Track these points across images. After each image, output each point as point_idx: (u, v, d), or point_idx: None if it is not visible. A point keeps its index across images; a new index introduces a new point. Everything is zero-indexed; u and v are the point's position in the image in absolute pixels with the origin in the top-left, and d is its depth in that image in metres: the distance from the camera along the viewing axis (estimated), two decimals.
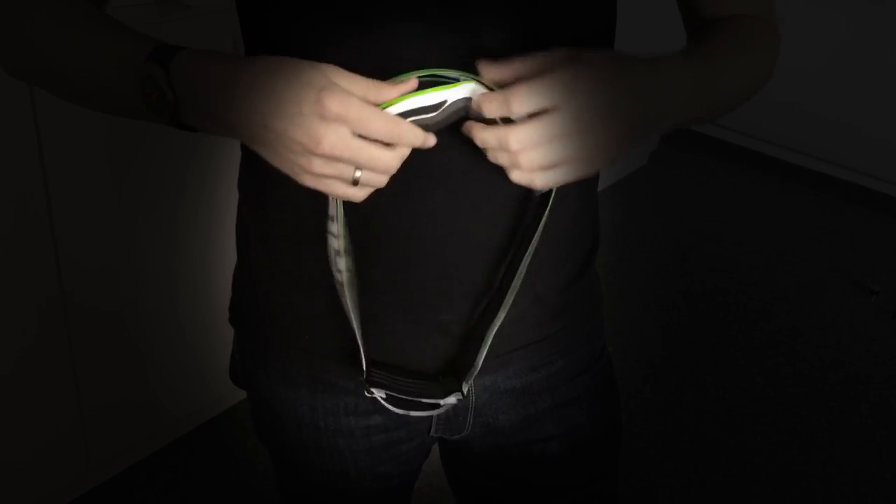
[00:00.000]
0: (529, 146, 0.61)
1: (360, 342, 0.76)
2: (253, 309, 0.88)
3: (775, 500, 2.04)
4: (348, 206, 0.68)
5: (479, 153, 0.66)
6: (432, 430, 0.90)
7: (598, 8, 0.75)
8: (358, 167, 0.62)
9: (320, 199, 0.68)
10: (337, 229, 0.68)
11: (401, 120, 0.62)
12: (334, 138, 0.59)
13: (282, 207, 0.79)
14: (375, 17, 0.66)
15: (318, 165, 0.61)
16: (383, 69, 0.65)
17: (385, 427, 0.88)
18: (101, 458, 1.86)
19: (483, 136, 0.63)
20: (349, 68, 0.63)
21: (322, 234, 0.71)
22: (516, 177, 0.64)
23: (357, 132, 0.60)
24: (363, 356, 0.77)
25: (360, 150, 0.61)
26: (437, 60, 0.66)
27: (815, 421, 2.29)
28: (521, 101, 0.60)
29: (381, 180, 0.64)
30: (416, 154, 0.65)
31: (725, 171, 3.66)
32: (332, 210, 0.68)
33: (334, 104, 0.59)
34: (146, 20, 1.61)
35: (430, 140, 0.64)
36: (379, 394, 0.79)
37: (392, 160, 0.63)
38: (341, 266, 0.71)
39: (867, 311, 2.79)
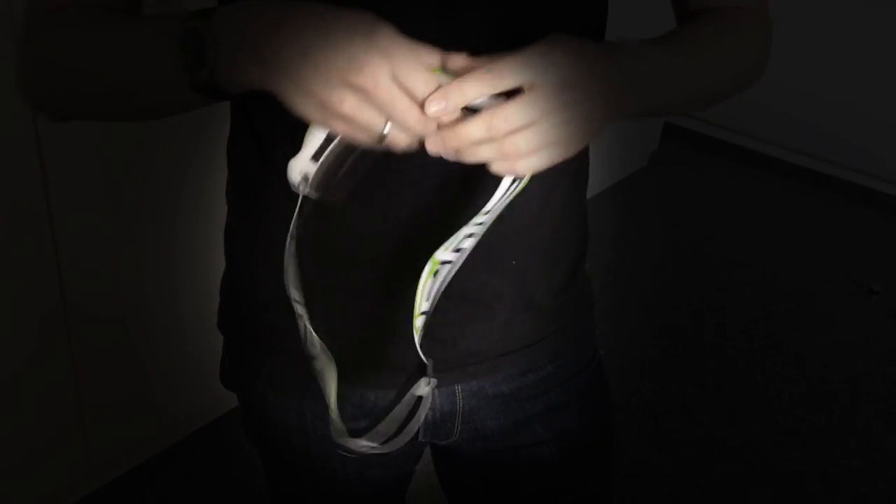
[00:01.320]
0: (516, 128, 0.58)
1: (335, 414, 0.73)
2: (240, 314, 0.88)
3: (776, 501, 2.04)
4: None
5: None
6: (420, 436, 0.89)
7: (589, 7, 0.75)
8: (389, 117, 0.57)
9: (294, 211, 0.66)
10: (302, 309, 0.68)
11: (438, 82, 0.57)
12: (376, 73, 0.55)
13: (262, 215, 0.79)
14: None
15: (351, 104, 0.56)
16: None
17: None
18: (102, 460, 1.86)
19: (468, 130, 0.58)
20: None
21: (298, 242, 0.70)
22: (498, 167, 0.60)
23: (399, 77, 0.56)
24: (338, 428, 0.74)
25: (398, 96, 0.56)
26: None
27: (815, 421, 2.29)
28: (502, 75, 0.57)
29: (404, 141, 0.59)
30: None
31: (726, 172, 3.66)
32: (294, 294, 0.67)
33: (385, 38, 0.56)
34: None
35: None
36: (357, 448, 0.76)
37: (423, 124, 0.58)
38: (315, 343, 0.70)
39: (868, 310, 2.79)
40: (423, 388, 0.78)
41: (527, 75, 0.58)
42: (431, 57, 0.58)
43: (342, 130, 0.58)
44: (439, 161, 0.62)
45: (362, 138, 0.59)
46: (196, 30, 0.61)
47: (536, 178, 0.63)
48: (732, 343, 2.59)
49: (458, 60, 0.59)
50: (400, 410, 0.80)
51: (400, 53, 0.56)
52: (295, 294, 0.69)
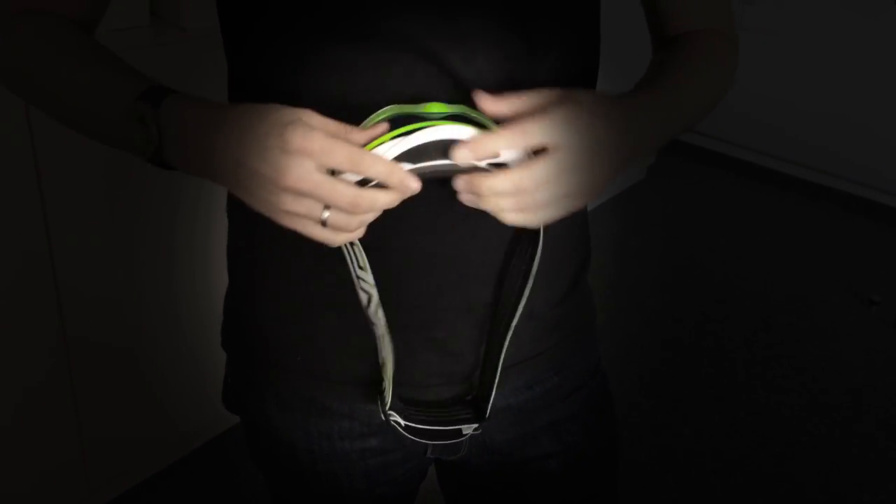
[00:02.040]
0: (540, 184, 0.62)
1: (390, 375, 0.77)
2: (245, 332, 0.88)
3: None
4: None
5: None
6: (429, 452, 0.89)
7: (585, 22, 0.76)
8: (325, 205, 0.61)
9: None
10: (368, 280, 0.70)
11: (365, 151, 0.61)
12: (298, 172, 0.59)
13: (267, 232, 0.79)
14: (361, 37, 0.67)
15: (287, 202, 0.61)
16: (368, 90, 0.66)
17: (381, 450, 0.88)
18: (100, 480, 1.86)
19: (496, 182, 0.61)
20: (331, 88, 0.65)
21: (312, 253, 0.71)
22: (512, 218, 0.64)
23: (322, 165, 0.60)
24: (390, 387, 0.78)
25: (322, 183, 0.60)
26: (425, 78, 0.66)
27: (816, 433, 2.29)
28: (531, 135, 0.61)
29: (351, 222, 0.63)
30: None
31: (723, 184, 3.66)
32: (360, 261, 0.69)
33: (297, 137, 0.59)
34: (142, 43, 1.62)
35: (411, 183, 0.62)
36: (397, 420, 0.79)
37: (356, 197, 0.61)
38: (380, 315, 0.72)
39: (868, 321, 2.79)
40: (469, 429, 0.82)
41: (554, 137, 0.61)
42: (356, 135, 0.62)
43: (288, 222, 0.63)
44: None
45: (307, 228, 0.63)
46: (142, 118, 0.66)
47: None
48: (732, 355, 2.59)
49: (490, 104, 0.63)
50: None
51: (315, 143, 0.59)
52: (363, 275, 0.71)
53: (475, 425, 0.81)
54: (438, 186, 0.69)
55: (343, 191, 0.60)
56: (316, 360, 0.82)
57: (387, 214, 0.66)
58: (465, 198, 0.64)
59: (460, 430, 0.81)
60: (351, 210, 0.61)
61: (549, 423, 0.89)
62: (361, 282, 0.70)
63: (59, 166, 1.54)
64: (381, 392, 0.78)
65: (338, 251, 0.68)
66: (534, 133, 0.61)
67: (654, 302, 2.83)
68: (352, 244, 0.68)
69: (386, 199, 0.62)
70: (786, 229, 3.34)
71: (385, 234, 0.72)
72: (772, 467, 2.16)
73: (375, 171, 0.61)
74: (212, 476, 2.01)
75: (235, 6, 0.73)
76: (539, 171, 0.61)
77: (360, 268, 0.70)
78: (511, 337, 0.80)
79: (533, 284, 0.80)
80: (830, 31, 3.35)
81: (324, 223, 0.62)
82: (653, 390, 2.41)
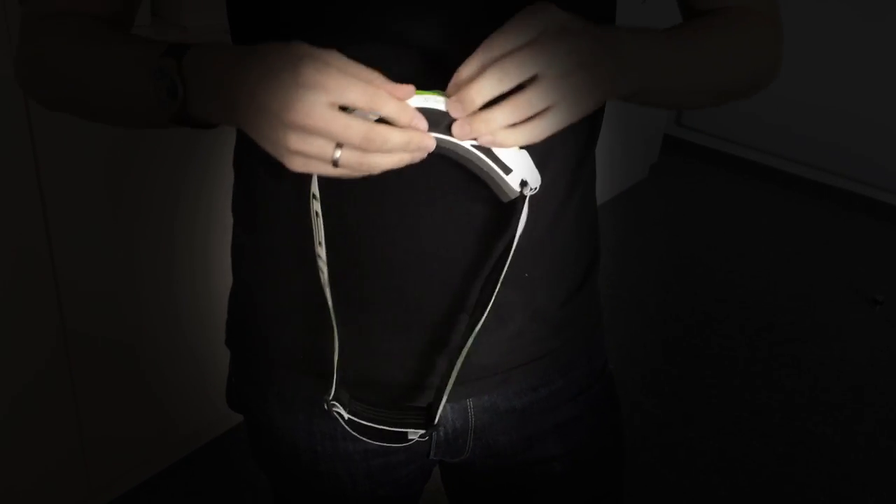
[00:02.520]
0: (532, 94, 0.60)
1: (335, 357, 0.75)
2: (248, 330, 0.87)
3: None
4: (331, 222, 0.68)
5: (463, 171, 0.66)
6: (432, 454, 0.88)
7: (595, 13, 0.75)
8: (337, 143, 0.59)
9: (304, 219, 0.68)
10: (324, 255, 0.68)
11: (381, 90, 0.59)
12: (306, 106, 0.57)
13: (273, 228, 0.79)
14: (360, 38, 0.66)
15: (294, 140, 0.58)
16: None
17: (384, 451, 0.87)
18: (101, 481, 1.85)
19: (495, 115, 0.60)
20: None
21: (306, 252, 0.71)
22: (505, 138, 0.62)
23: (335, 101, 0.58)
24: (335, 372, 0.76)
25: (333, 119, 0.57)
26: (428, 78, 0.66)
27: (820, 432, 2.28)
28: (515, 71, 0.59)
29: (366, 162, 0.61)
30: (402, 172, 0.65)
31: (726, 183, 3.65)
32: (318, 236, 0.67)
33: (310, 70, 0.57)
34: None
35: (420, 123, 0.61)
36: (339, 411, 0.77)
37: (370, 131, 0.59)
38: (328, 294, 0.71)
39: (871, 320, 2.78)
40: (414, 435, 0.79)
41: (539, 67, 0.60)
42: (368, 73, 0.59)
43: (299, 165, 0.60)
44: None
45: (319, 169, 0.61)
46: (167, 69, 0.65)
47: (552, 189, 0.65)
48: (735, 354, 2.58)
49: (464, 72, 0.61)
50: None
51: (330, 78, 0.57)
52: (320, 251, 0.70)
53: (422, 431, 0.79)
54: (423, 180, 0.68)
55: (356, 125, 0.58)
56: (317, 360, 0.82)
57: (378, 211, 0.65)
58: (459, 131, 0.62)
59: (405, 433, 0.79)
60: (364, 146, 0.59)
61: (555, 426, 0.88)
62: (318, 259, 0.69)
63: (58, 163, 1.53)
64: (329, 379, 0.75)
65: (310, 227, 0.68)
66: (516, 68, 0.59)
67: (656, 301, 2.82)
68: (318, 215, 0.67)
69: (399, 139, 0.60)
70: (788, 228, 3.34)
71: (361, 233, 0.72)
72: (774, 467, 2.16)
73: (390, 110, 0.59)
74: (213, 477, 2.00)
75: (244, 12, 0.73)
76: (535, 96, 0.60)
77: (320, 244, 0.68)
78: (514, 336, 0.80)
79: (539, 283, 0.79)
80: (834, 29, 3.35)
81: (335, 163, 0.60)
82: (655, 390, 2.40)
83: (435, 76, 0.65)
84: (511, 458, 0.89)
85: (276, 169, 0.64)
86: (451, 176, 0.69)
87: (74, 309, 1.65)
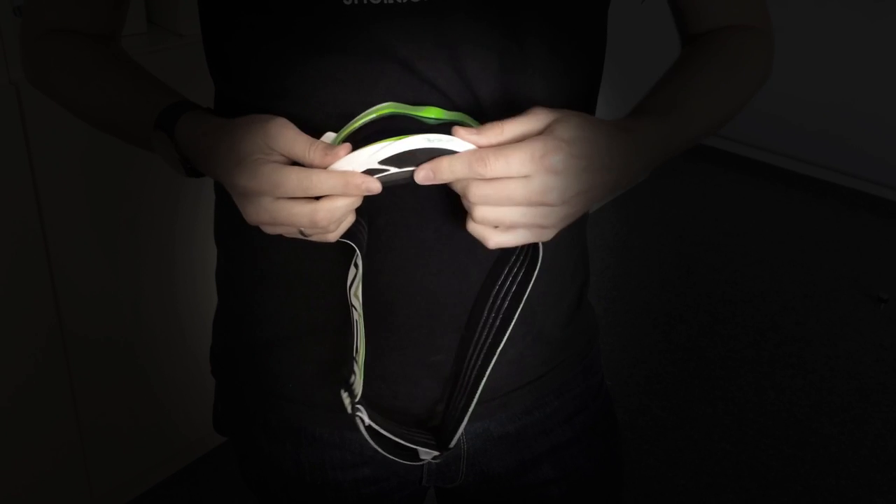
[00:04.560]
0: (485, 203, 0.60)
1: (362, 364, 0.73)
2: (233, 359, 0.86)
3: None
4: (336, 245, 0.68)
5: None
6: (424, 480, 0.87)
7: (586, 24, 0.73)
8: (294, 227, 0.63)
9: (292, 247, 0.69)
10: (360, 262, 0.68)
11: (315, 172, 0.60)
12: (253, 210, 0.62)
13: (255, 257, 0.78)
14: (339, 49, 0.65)
15: (266, 227, 0.64)
16: (353, 104, 0.65)
17: (374, 479, 0.85)
18: (103, 490, 1.84)
19: (448, 173, 0.60)
20: (316, 102, 0.65)
21: (301, 280, 0.73)
22: (470, 227, 0.63)
23: (279, 198, 0.61)
24: (361, 378, 0.74)
25: (279, 212, 0.61)
26: (413, 91, 0.64)
27: (826, 433, 2.27)
28: (490, 166, 0.59)
29: (328, 231, 0.63)
30: (405, 193, 0.64)
31: (727, 182, 3.64)
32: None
33: (243, 179, 0.61)
34: (139, 49, 1.61)
35: (370, 185, 0.61)
36: (362, 416, 0.74)
37: (313, 213, 0.61)
38: (359, 295, 0.70)
39: (876, 319, 2.76)
40: (428, 456, 0.78)
41: (516, 172, 0.59)
42: (303, 149, 0.61)
43: (283, 232, 0.64)
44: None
45: (296, 238, 0.65)
46: (163, 143, 0.72)
47: None
48: (740, 355, 2.57)
49: (470, 138, 0.61)
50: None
51: (263, 181, 0.61)
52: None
53: (435, 453, 0.77)
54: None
55: (299, 213, 0.61)
56: (305, 389, 0.80)
57: (385, 232, 0.66)
58: (471, 227, 0.63)
59: (417, 452, 0.77)
60: (315, 227, 0.62)
61: (550, 449, 0.86)
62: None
63: (53, 164, 1.53)
64: (350, 385, 0.74)
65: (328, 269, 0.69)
66: (491, 162, 0.59)
67: (659, 303, 2.81)
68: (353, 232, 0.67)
69: (343, 204, 0.61)
70: (791, 227, 3.32)
71: (381, 254, 0.71)
72: (781, 469, 2.14)
73: (329, 187, 0.60)
74: (217, 486, 1.99)
75: (215, 20, 0.73)
76: (482, 189, 0.60)
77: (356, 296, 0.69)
78: (514, 360, 0.78)
79: (540, 306, 0.78)
80: (834, 27, 3.33)
81: (304, 235, 0.64)
82: (660, 392, 2.39)
83: (416, 84, 0.64)
84: (506, 483, 0.87)
85: None
86: (453, 196, 0.67)
87: (73, 313, 1.65)
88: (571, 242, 0.81)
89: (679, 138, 0.72)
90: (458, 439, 0.80)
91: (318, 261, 0.73)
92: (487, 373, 0.73)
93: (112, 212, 1.66)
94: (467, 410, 0.75)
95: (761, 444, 2.22)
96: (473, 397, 0.74)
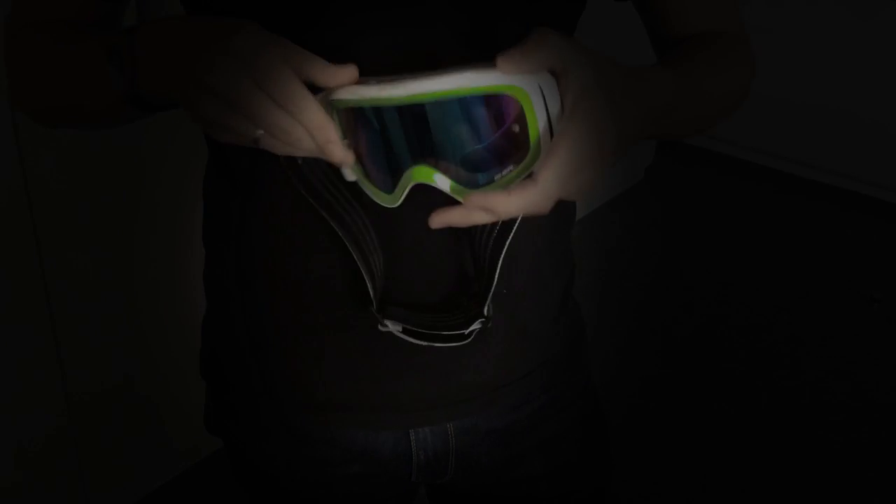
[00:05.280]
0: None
1: (372, 273, 0.70)
2: (223, 358, 0.86)
3: None
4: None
5: None
6: (413, 476, 0.87)
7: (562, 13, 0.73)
8: (255, 124, 0.56)
9: (278, 249, 0.68)
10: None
11: (310, 99, 0.55)
12: (227, 75, 0.55)
13: (241, 259, 0.78)
14: (323, 13, 0.65)
15: (216, 111, 0.56)
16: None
17: (364, 475, 0.86)
18: (101, 496, 1.84)
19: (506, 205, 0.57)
20: None
21: (291, 278, 0.72)
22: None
23: (258, 81, 0.55)
24: (373, 288, 0.69)
25: (250, 96, 0.54)
26: (390, 54, 0.64)
27: (820, 433, 2.27)
28: (536, 201, 0.57)
29: (284, 149, 0.58)
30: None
31: (721, 183, 3.65)
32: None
33: (240, 42, 0.55)
34: None
35: (337, 153, 0.57)
36: (395, 327, 0.71)
37: (288, 127, 0.55)
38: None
39: (869, 319, 2.77)
40: (476, 325, 0.72)
41: (558, 195, 0.58)
42: (307, 63, 0.56)
43: (224, 138, 0.59)
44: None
45: (245, 143, 0.58)
46: (119, 45, 0.64)
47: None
48: (734, 356, 2.58)
49: (510, 67, 0.56)
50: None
51: (258, 59, 0.55)
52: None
53: (481, 320, 0.72)
54: None
55: (273, 115, 0.55)
56: (295, 386, 0.81)
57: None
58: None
59: (462, 333, 0.72)
60: (277, 137, 0.56)
61: (538, 444, 0.87)
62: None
63: (47, 168, 1.53)
64: (369, 298, 0.70)
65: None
66: (537, 199, 0.57)
67: (654, 304, 2.82)
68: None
69: (309, 146, 0.57)
70: (785, 228, 3.33)
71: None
72: (775, 469, 2.15)
73: (306, 119, 0.55)
74: (213, 492, 1.99)
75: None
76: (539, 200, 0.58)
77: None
78: (501, 357, 0.78)
79: (523, 302, 0.78)
80: (826, 28, 3.34)
81: (256, 142, 0.58)
82: (654, 393, 2.40)
83: (390, 61, 0.62)
84: (495, 478, 0.87)
85: (246, 199, 0.63)
86: None
87: (69, 316, 1.65)
88: (554, 240, 0.81)
89: (686, 101, 0.70)
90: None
91: (304, 262, 0.74)
92: (507, 243, 0.69)
93: (104, 215, 1.66)
94: (492, 276, 0.70)
95: (755, 444, 2.23)
96: (497, 265, 0.70)
